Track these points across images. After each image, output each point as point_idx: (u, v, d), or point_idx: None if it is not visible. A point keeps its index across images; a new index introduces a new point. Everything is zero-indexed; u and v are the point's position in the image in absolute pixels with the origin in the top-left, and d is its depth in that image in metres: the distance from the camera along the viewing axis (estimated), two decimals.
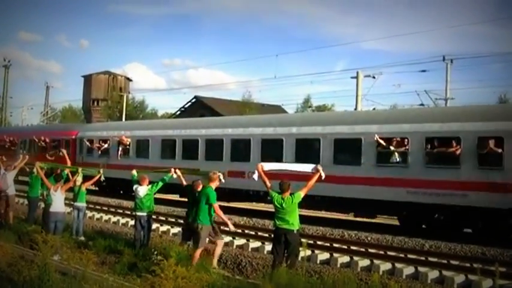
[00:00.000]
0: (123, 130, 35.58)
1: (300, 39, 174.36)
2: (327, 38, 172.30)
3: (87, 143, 37.00)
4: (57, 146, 39.60)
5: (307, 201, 14.26)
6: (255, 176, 13.44)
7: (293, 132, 24.94)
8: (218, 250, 14.47)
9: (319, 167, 13.03)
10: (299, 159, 22.65)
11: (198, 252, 13.68)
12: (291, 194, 12.57)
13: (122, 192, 34.55)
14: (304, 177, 13.17)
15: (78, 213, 18.56)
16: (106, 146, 35.62)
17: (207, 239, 14.35)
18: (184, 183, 16.26)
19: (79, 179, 18.55)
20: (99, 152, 35.95)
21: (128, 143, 33.88)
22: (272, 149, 25.11)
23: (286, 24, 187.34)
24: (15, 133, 49.15)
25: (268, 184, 12.98)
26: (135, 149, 33.75)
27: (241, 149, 27.15)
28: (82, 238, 17.65)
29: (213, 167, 18.42)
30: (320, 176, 12.88)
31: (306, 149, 24.34)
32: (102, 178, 19.13)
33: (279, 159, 23.18)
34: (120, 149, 34.02)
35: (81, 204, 18.62)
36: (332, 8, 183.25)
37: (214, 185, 14.00)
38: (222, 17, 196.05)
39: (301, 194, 12.53)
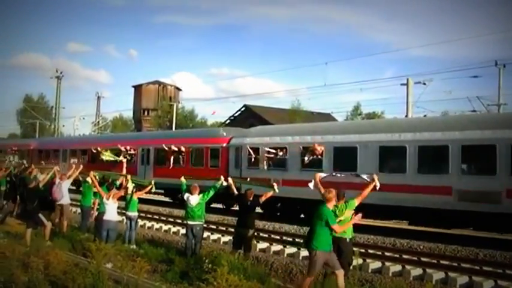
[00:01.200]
0: (311, 135, 26.98)
1: (347, 47, 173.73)
2: (375, 45, 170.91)
3: (251, 152, 28.93)
4: (197, 156, 33.11)
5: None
6: (311, 185, 13.76)
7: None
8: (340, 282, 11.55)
9: (375, 177, 13.08)
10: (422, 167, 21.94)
11: (308, 281, 11.68)
12: (345, 202, 12.63)
13: (302, 216, 27.32)
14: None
15: (130, 222, 18.72)
16: (281, 155, 27.89)
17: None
18: (236, 192, 16.36)
19: (130, 187, 18.78)
20: (269, 164, 28.32)
21: (320, 151, 25.69)
22: None
23: (333, 32, 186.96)
24: (132, 141, 40.58)
25: (323, 191, 12.98)
26: (331, 159, 25.10)
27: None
28: (134, 246, 17.81)
29: None
30: (375, 186, 12.92)
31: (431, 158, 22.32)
32: (153, 189, 19.34)
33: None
34: (306, 159, 26.15)
35: (133, 213, 18.73)
36: (378, 16, 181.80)
37: (331, 205, 11.65)
38: (268, 26, 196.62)
39: (355, 202, 12.61)
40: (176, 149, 34.22)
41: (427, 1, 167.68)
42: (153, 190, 19.59)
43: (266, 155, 28.26)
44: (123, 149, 38.06)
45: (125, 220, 19.20)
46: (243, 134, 31.40)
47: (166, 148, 34.57)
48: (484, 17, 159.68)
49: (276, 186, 16.00)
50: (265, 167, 28.13)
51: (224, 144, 31.26)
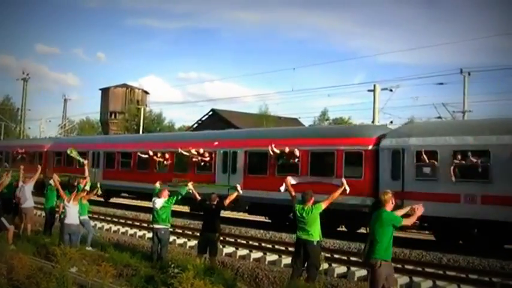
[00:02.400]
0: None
1: (317, 52, 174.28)
2: (344, 51, 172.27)
3: (423, 158, 21.13)
4: (322, 162, 24.79)
5: None
6: (282, 188, 13.93)
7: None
8: None
9: (343, 181, 13.18)
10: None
11: None
12: (312, 205, 12.64)
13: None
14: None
15: (83, 226, 18.27)
16: (478, 161, 20.06)
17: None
18: (198, 197, 16.34)
19: (87, 189, 18.60)
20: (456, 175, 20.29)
21: None
22: None
23: (304, 38, 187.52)
24: (206, 141, 30.54)
25: (293, 194, 13.28)
26: None
27: None
28: (90, 248, 17.57)
29: None
30: (345, 189, 13.01)
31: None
32: (99, 192, 19.17)
33: None
34: None
35: (83, 217, 18.11)
36: (349, 22, 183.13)
37: (389, 207, 10.29)
38: (239, 31, 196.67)
39: (322, 205, 12.61)
40: (286, 151, 25.34)
41: (396, 8, 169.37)
42: (99, 193, 19.22)
43: (455, 161, 20.48)
44: (194, 151, 29.42)
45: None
46: (402, 133, 22.97)
47: (271, 152, 25.54)
48: (451, 25, 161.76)
49: (239, 187, 16.05)
50: (453, 179, 20.14)
51: (370, 147, 23.18)
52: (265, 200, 25.87)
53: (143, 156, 32.78)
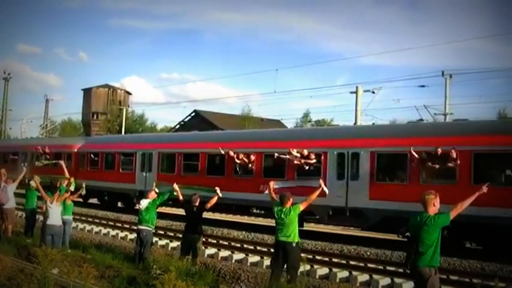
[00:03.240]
0: None
1: (300, 54, 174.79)
2: (327, 53, 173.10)
3: None
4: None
5: None
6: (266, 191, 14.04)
7: None
8: None
9: (321, 182, 13.21)
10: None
11: None
12: (291, 206, 12.61)
13: None
14: None
15: (64, 226, 18.22)
16: None
17: None
18: (181, 198, 16.32)
19: (72, 189, 18.53)
20: None
21: None
22: None
23: (286, 39, 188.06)
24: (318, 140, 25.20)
25: (274, 197, 13.29)
26: None
27: None
28: (68, 251, 17.48)
29: None
30: (323, 191, 13.04)
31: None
32: (83, 192, 19.08)
33: None
34: None
35: (67, 217, 18.20)
36: (332, 24, 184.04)
37: (432, 210, 9.17)
38: (222, 31, 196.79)
39: (300, 206, 12.57)
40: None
41: (378, 11, 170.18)
42: (83, 193, 19.10)
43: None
44: (295, 152, 23.95)
45: None
46: None
47: (415, 154, 20.66)
48: (432, 27, 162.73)
49: (218, 191, 16.05)
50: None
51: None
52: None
53: (217, 157, 28.06)
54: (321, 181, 13.38)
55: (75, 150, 37.68)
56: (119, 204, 36.42)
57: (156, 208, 16.18)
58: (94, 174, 33.82)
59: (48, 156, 37.04)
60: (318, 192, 12.81)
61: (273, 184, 13.94)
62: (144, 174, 31.27)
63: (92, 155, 36.14)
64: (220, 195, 16.09)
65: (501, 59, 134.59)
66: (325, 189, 13.09)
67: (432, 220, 8.93)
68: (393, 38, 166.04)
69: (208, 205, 16.07)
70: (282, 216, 12.52)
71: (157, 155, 31.02)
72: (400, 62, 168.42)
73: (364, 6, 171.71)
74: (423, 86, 42.99)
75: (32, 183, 19.64)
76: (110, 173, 33.48)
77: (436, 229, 8.93)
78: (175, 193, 16.37)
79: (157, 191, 16.43)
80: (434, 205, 9.10)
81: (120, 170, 32.69)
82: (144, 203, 15.94)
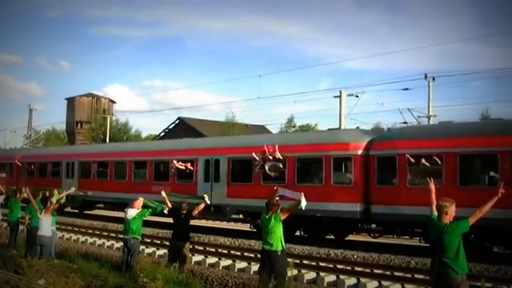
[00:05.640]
0: None
1: (283, 60, 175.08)
2: (310, 57, 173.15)
3: None
4: None
5: None
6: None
7: None
8: None
9: (302, 196, 12.64)
10: None
11: None
12: (273, 213, 12.42)
13: None
14: None
15: None
16: None
17: None
18: (170, 205, 16.31)
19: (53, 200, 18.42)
20: None
21: None
22: None
23: (269, 45, 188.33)
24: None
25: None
26: None
27: None
28: (55, 261, 17.34)
29: None
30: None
31: None
32: (63, 200, 18.97)
33: None
34: None
35: (52, 227, 18.00)
36: (315, 29, 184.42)
37: (447, 219, 8.98)
38: (204, 39, 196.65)
39: (281, 215, 12.32)
40: None
41: (361, 15, 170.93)
42: (63, 201, 18.92)
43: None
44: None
45: None
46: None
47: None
48: (415, 31, 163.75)
49: (206, 198, 16.02)
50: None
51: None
52: None
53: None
54: (302, 194, 12.86)
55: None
56: None
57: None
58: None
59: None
60: (295, 204, 12.44)
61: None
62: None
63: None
64: (208, 202, 16.07)
65: (483, 61, 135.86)
66: (303, 201, 12.58)
67: (450, 228, 8.79)
68: (376, 42, 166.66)
69: (196, 211, 16.04)
70: (265, 223, 12.40)
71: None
72: (383, 65, 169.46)
73: (345, 11, 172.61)
74: (407, 89, 42.94)
75: (25, 194, 19.48)
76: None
77: (457, 236, 8.75)
78: (163, 205, 16.42)
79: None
80: (447, 213, 8.91)
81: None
82: (131, 213, 15.88)
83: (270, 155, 24.39)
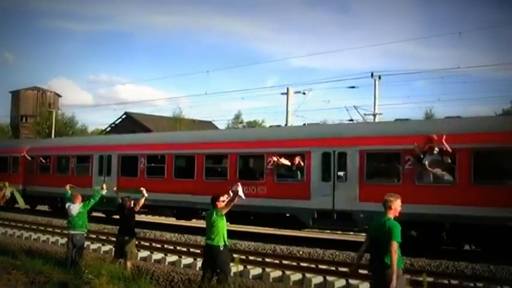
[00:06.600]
0: None
1: (230, 56, 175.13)
2: (258, 54, 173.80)
3: None
4: None
5: None
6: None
7: None
8: None
9: (239, 187, 12.72)
10: None
11: None
12: (213, 208, 12.44)
13: None
14: None
15: None
16: None
17: None
18: (120, 201, 16.26)
19: (8, 194, 18.11)
20: None
21: None
22: None
23: (217, 42, 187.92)
24: None
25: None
26: None
27: None
28: None
29: None
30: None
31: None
32: (8, 194, 18.62)
33: None
34: None
35: None
36: (262, 26, 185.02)
37: (393, 214, 9.17)
38: (151, 34, 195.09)
39: (222, 210, 12.28)
40: None
41: (308, 14, 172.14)
42: (8, 195, 18.50)
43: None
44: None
45: None
46: None
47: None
48: (361, 30, 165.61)
49: (144, 191, 15.89)
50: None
51: None
52: None
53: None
54: (239, 185, 12.49)
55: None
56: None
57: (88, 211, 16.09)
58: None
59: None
60: (235, 196, 12.32)
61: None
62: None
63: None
64: (146, 195, 15.92)
65: (426, 61, 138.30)
66: (241, 193, 12.55)
67: (385, 224, 8.95)
68: (323, 41, 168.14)
69: (137, 207, 15.97)
70: (208, 217, 12.45)
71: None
72: (330, 64, 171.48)
73: (295, 10, 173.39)
74: (353, 87, 43.82)
75: None
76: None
77: (390, 234, 8.81)
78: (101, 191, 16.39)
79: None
80: (391, 208, 9.06)
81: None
82: (75, 209, 15.74)
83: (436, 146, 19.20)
